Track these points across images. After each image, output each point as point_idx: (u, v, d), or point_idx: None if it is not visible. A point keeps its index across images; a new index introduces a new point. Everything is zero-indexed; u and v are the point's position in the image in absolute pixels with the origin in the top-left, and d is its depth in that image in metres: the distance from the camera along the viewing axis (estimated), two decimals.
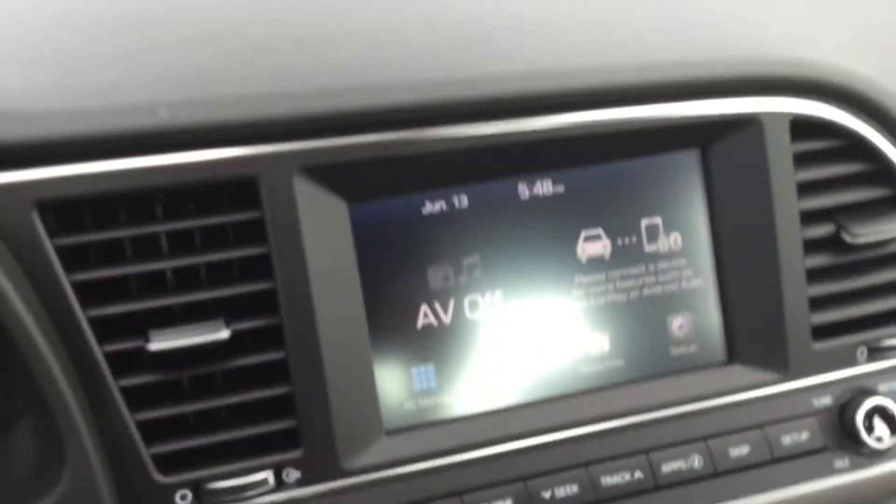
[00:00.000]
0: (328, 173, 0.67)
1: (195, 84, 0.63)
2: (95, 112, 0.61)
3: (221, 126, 0.63)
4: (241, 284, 0.66)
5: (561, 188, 0.74)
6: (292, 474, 0.66)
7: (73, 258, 0.63)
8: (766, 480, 0.75)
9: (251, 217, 0.66)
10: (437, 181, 0.71)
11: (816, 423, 0.76)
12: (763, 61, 0.75)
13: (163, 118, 0.62)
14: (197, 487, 0.65)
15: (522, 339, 0.73)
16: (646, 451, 0.73)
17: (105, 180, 0.63)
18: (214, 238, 0.66)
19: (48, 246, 0.61)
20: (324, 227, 0.67)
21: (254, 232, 0.66)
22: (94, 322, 0.63)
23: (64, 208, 0.63)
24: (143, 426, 0.64)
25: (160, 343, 0.63)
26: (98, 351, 0.63)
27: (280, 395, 0.66)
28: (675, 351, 0.77)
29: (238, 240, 0.66)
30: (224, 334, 0.64)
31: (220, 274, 0.66)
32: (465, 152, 0.70)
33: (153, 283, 0.65)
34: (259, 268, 0.66)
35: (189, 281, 0.66)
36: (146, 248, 0.65)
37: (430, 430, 0.71)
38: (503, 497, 0.70)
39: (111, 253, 0.65)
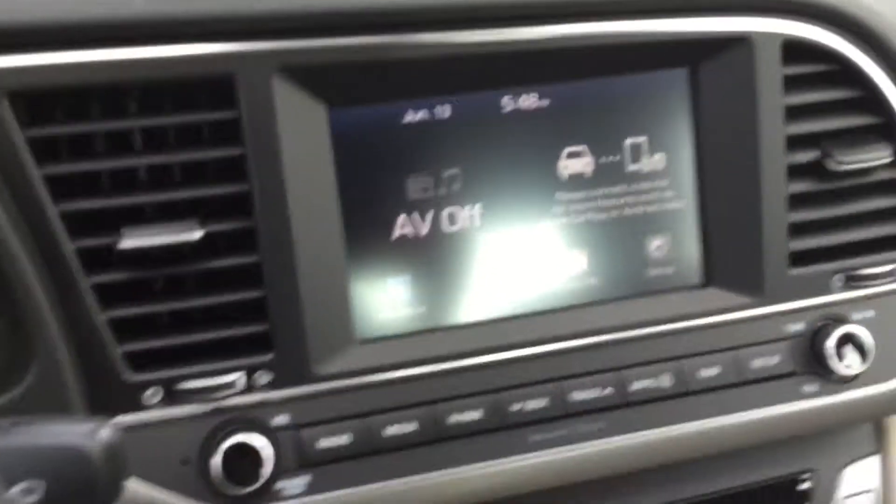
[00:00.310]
0: (308, 75, 0.65)
1: None
2: None
3: (199, 19, 0.62)
4: (215, 185, 0.65)
5: (546, 103, 0.72)
6: (263, 377, 0.67)
7: (45, 151, 0.61)
8: (735, 402, 0.75)
9: (227, 117, 0.64)
10: (420, 90, 0.69)
11: (787, 348, 0.77)
12: None
13: (138, 6, 0.60)
14: (167, 386, 0.65)
15: (500, 253, 0.73)
16: (616, 369, 0.73)
17: (78, 71, 0.61)
18: (189, 137, 0.65)
19: (19, 137, 0.60)
20: (302, 131, 0.66)
21: (230, 132, 0.65)
22: (65, 217, 0.62)
23: (36, 99, 0.61)
24: (114, 324, 0.64)
25: (132, 241, 0.62)
26: (69, 246, 0.62)
27: (253, 299, 0.66)
28: (652, 272, 0.76)
29: (213, 140, 0.65)
30: (197, 234, 0.63)
31: (194, 174, 0.65)
32: (450, 60, 0.69)
33: (126, 181, 0.64)
34: (234, 169, 0.65)
35: (163, 180, 0.65)
36: (119, 144, 0.64)
37: (404, 340, 0.71)
38: (475, 407, 0.70)
39: (84, 148, 0.63)
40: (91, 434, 0.42)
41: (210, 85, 0.64)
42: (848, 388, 0.78)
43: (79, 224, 0.62)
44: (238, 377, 0.66)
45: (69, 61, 0.61)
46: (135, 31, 0.61)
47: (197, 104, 0.65)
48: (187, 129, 0.65)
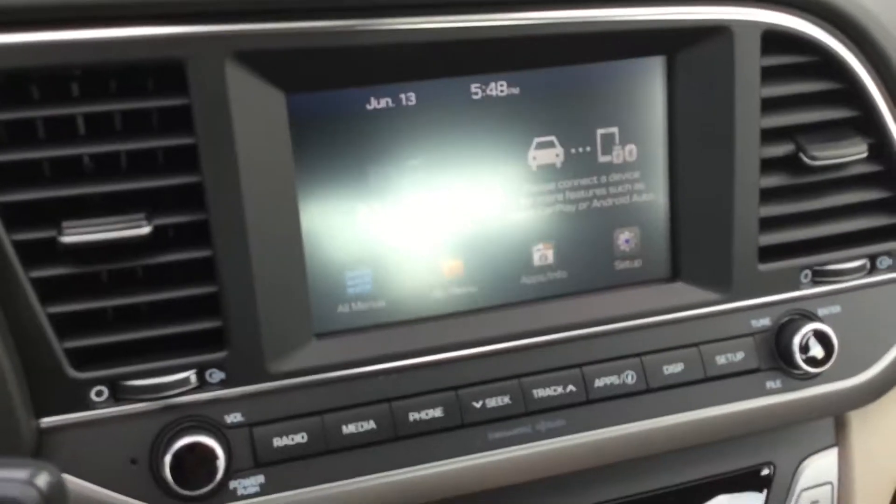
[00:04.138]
0: (264, 61, 0.62)
1: None
2: None
3: (149, 0, 0.57)
4: (164, 176, 0.61)
5: (516, 90, 0.69)
6: (216, 375, 0.64)
7: None
8: (697, 398, 0.75)
9: (178, 104, 0.61)
10: (384, 76, 0.66)
11: (752, 344, 0.76)
12: None
13: None
14: (114, 384, 0.63)
15: (464, 246, 0.71)
16: (580, 366, 0.72)
17: (19, 53, 0.57)
18: (137, 125, 0.62)
19: None
20: (258, 119, 0.63)
21: (180, 120, 0.61)
22: (3, 207, 0.58)
23: None
24: (57, 319, 0.61)
25: (74, 236, 0.59)
26: (6, 239, 0.58)
27: (205, 294, 0.63)
28: (620, 265, 0.75)
29: (163, 128, 0.62)
30: (145, 230, 0.60)
31: (142, 164, 0.62)
32: (416, 47, 0.65)
33: (70, 171, 0.61)
34: (185, 159, 0.62)
35: (109, 170, 0.61)
36: (63, 131, 0.60)
37: (362, 335, 0.69)
38: (433, 405, 0.69)
39: (23, 135, 0.60)
40: (29, 481, 0.39)
41: (160, 70, 0.60)
42: (811, 385, 0.78)
43: (18, 216, 0.59)
44: (189, 375, 0.64)
45: (8, 42, 0.57)
46: (80, 12, 0.57)
47: (145, 90, 0.61)
48: (135, 116, 0.61)
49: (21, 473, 0.39)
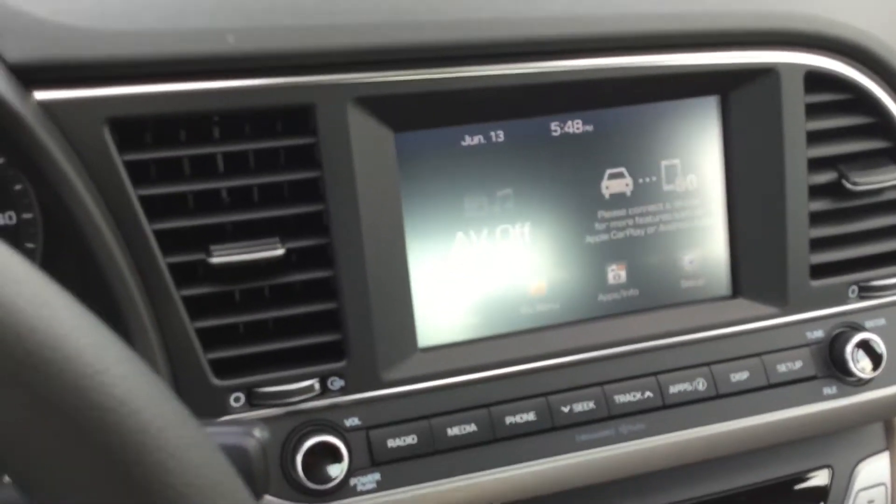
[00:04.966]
0: (378, 104, 0.71)
1: (260, 13, 0.67)
2: (168, 35, 0.64)
3: (285, 54, 0.67)
4: (294, 205, 0.70)
5: (590, 127, 0.78)
6: (336, 382, 0.72)
7: (139, 174, 0.66)
8: (762, 404, 0.82)
9: (305, 142, 0.69)
10: (476, 116, 0.75)
11: (809, 354, 0.83)
12: (783, 16, 0.80)
13: (230, 44, 0.65)
14: (249, 391, 0.70)
15: (548, 267, 0.79)
16: (655, 374, 0.79)
17: (171, 101, 0.66)
18: (267, 161, 0.70)
19: (118, 161, 0.65)
20: (372, 155, 0.71)
21: (306, 156, 0.70)
22: (158, 234, 0.67)
23: (128, 126, 0.66)
24: (202, 333, 0.68)
25: (221, 257, 0.67)
26: (162, 262, 0.67)
27: (328, 311, 0.71)
28: (685, 283, 0.83)
29: (290, 164, 0.70)
30: (280, 251, 0.68)
31: (271, 196, 0.71)
32: (503, 90, 0.74)
33: (210, 203, 0.69)
34: (311, 190, 0.70)
35: (243, 201, 0.70)
36: (203, 167, 0.69)
37: (461, 347, 0.76)
38: (527, 410, 0.76)
39: (171, 171, 0.68)
40: (248, 432, 0.47)
41: (287, 113, 0.69)
42: (863, 391, 0.85)
43: (170, 241, 0.67)
44: (313, 382, 0.71)
45: (163, 91, 0.66)
46: (227, 65, 0.66)
47: (273, 131, 0.70)
48: (265, 154, 0.70)
49: (240, 427, 0.47)
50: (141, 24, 0.64)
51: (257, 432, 0.48)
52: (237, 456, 0.46)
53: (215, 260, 0.67)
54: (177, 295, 0.67)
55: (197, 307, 0.68)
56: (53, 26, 0.63)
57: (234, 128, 0.70)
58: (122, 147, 0.66)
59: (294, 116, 0.70)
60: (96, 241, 0.63)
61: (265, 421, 0.70)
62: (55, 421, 0.34)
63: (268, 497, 0.69)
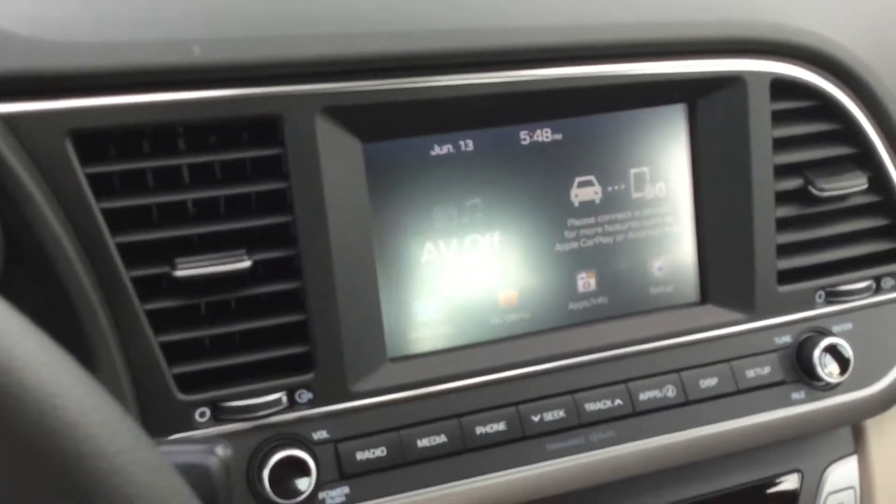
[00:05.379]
0: (346, 114, 0.70)
1: (227, 23, 0.66)
2: (132, 45, 0.63)
3: (251, 65, 0.66)
4: (260, 217, 0.69)
5: (559, 136, 0.78)
6: (304, 395, 0.71)
7: (102, 187, 0.65)
8: (732, 409, 0.82)
9: (272, 153, 0.69)
10: (445, 125, 0.75)
11: (777, 359, 0.84)
12: (749, 25, 0.80)
13: (196, 55, 0.64)
14: (215, 406, 0.69)
15: (518, 276, 0.79)
16: (625, 381, 0.79)
17: (135, 112, 0.65)
18: (234, 172, 0.69)
19: (80, 174, 0.64)
20: (340, 165, 0.71)
21: (273, 167, 0.69)
22: (121, 248, 0.66)
23: (91, 138, 0.65)
24: (166, 347, 0.67)
25: (186, 270, 0.66)
26: (125, 275, 0.66)
27: (295, 322, 0.71)
28: (654, 290, 0.83)
29: (257, 175, 0.70)
30: (246, 264, 0.67)
31: (238, 207, 0.70)
32: (472, 99, 0.74)
33: (175, 215, 0.68)
34: (278, 202, 0.70)
35: (209, 213, 0.69)
36: (168, 179, 0.68)
37: (430, 358, 0.76)
38: (497, 420, 0.76)
39: (135, 183, 0.67)
40: (210, 450, 0.46)
41: (254, 124, 0.69)
42: (831, 395, 0.86)
43: (133, 255, 0.66)
44: (281, 395, 0.70)
45: (126, 102, 0.65)
46: (192, 76, 0.65)
47: (240, 141, 0.69)
48: (232, 165, 0.69)
49: (202, 446, 0.46)
50: (105, 35, 0.63)
51: (220, 450, 0.47)
52: (198, 475, 0.45)
53: (180, 273, 0.66)
54: (141, 309, 0.66)
55: (161, 321, 0.67)
56: (14, 37, 0.62)
57: (200, 139, 0.69)
58: (85, 159, 0.65)
59: (261, 127, 0.69)
60: (57, 255, 0.61)
61: (231, 436, 0.69)
62: (6, 446, 0.34)
63: None
